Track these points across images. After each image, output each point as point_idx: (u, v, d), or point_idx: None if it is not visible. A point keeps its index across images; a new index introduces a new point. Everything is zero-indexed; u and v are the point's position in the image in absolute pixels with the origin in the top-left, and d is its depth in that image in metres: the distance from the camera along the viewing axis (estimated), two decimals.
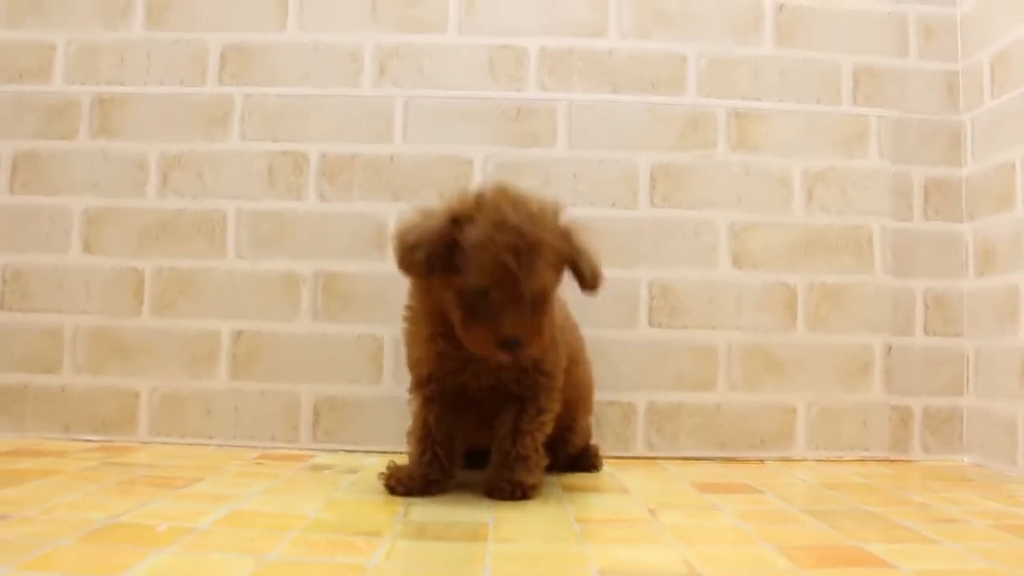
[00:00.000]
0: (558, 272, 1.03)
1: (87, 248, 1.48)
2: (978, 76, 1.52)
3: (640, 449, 1.46)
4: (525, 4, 1.53)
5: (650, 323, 1.48)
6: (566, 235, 1.04)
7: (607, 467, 1.32)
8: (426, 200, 1.07)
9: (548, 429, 1.11)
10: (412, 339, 1.12)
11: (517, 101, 1.51)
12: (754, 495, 1.12)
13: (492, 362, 1.02)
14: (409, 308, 1.12)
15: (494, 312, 0.97)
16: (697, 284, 1.49)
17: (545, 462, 1.11)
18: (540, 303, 1.00)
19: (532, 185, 1.43)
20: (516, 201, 1.00)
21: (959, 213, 1.55)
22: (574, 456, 1.28)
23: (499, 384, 1.08)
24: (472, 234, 0.97)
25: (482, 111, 1.51)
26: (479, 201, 1.00)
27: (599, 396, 1.39)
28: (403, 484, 1.05)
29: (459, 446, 1.11)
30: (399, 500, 1.02)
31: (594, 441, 1.33)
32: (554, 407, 1.11)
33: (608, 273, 1.45)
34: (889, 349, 1.51)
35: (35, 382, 1.46)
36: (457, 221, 0.98)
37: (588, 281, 1.07)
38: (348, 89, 1.51)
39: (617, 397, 1.46)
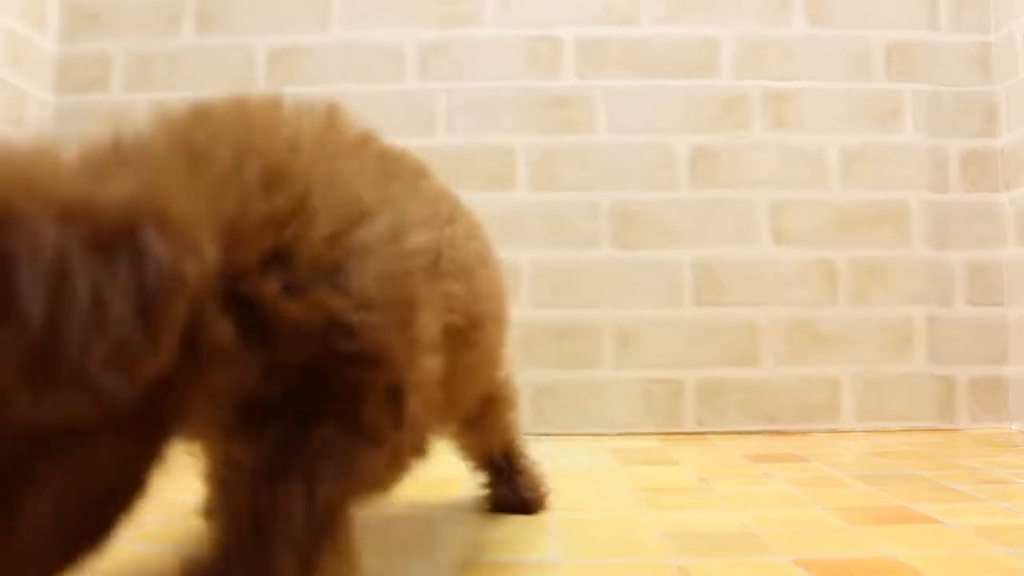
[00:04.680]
0: None
1: None
2: (1011, 46, 1.52)
3: (690, 425, 1.49)
4: None
5: (695, 302, 1.51)
6: None
7: (657, 441, 1.35)
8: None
9: None
10: None
11: (555, 90, 1.55)
12: (803, 463, 1.15)
13: None
14: None
15: None
16: (739, 262, 1.52)
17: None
18: None
19: (572, 171, 1.47)
20: None
21: (996, 183, 1.56)
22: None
23: None
24: None
25: (521, 101, 1.55)
26: None
27: (648, 375, 1.42)
28: None
29: None
30: None
31: (641, 421, 1.36)
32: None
33: (652, 254, 1.50)
34: (931, 320, 1.53)
35: None
36: None
37: None
38: (392, 85, 1.55)
39: (667, 375, 1.49)
